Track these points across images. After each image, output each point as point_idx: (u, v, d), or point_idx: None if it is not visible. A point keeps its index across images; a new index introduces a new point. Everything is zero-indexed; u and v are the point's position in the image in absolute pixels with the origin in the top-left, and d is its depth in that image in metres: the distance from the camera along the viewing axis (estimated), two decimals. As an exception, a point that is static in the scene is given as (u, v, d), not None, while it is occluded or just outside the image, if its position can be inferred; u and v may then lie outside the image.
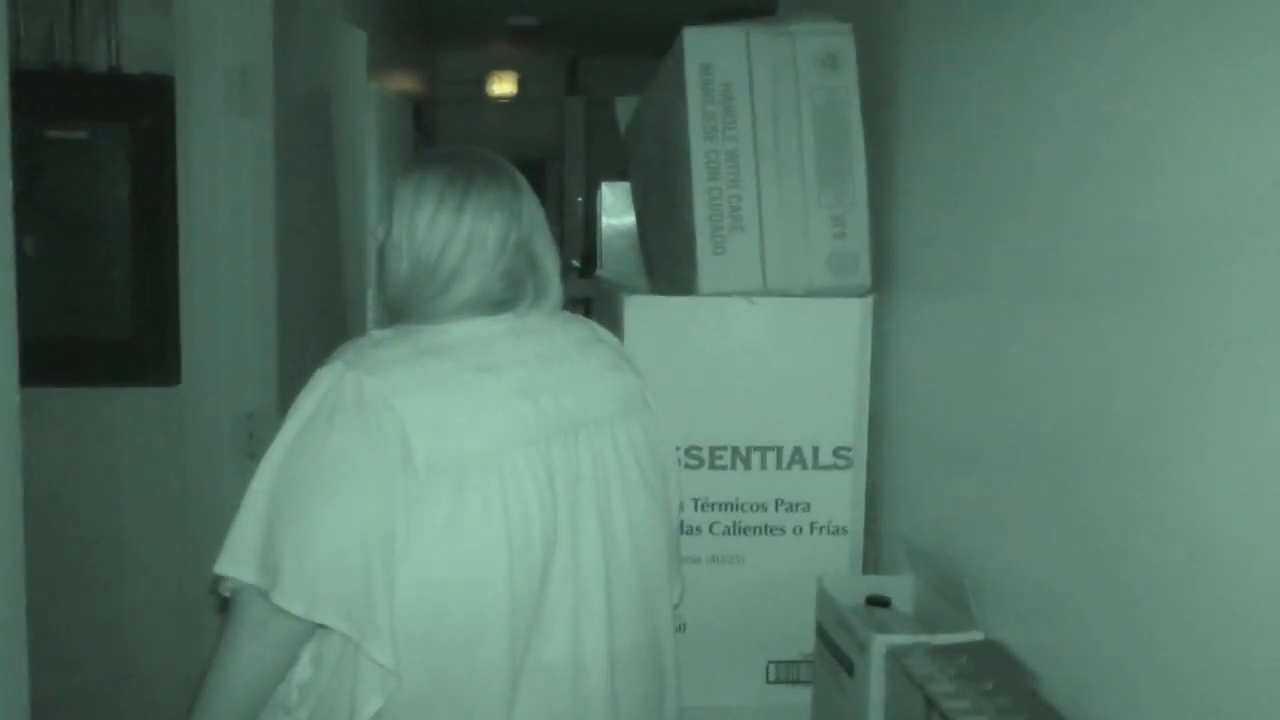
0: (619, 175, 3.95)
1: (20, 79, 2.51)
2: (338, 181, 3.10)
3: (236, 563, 1.29)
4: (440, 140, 8.30)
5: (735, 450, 2.01)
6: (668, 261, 2.29)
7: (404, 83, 6.35)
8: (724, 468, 2.01)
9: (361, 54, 3.16)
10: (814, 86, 1.96)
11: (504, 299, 1.40)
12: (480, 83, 9.42)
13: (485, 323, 1.39)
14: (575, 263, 8.49)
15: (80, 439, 2.58)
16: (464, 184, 1.39)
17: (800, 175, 1.96)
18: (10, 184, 1.00)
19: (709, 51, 1.95)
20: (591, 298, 3.31)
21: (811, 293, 1.97)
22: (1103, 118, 1.35)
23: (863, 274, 1.98)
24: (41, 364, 2.49)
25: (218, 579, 1.31)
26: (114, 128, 2.42)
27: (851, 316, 2.00)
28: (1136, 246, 1.27)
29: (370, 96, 4.28)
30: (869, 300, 2.00)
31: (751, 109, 1.95)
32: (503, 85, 9.43)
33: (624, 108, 2.63)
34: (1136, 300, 1.27)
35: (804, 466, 2.01)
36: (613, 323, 2.04)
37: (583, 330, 1.52)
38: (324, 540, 1.25)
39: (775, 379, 2.00)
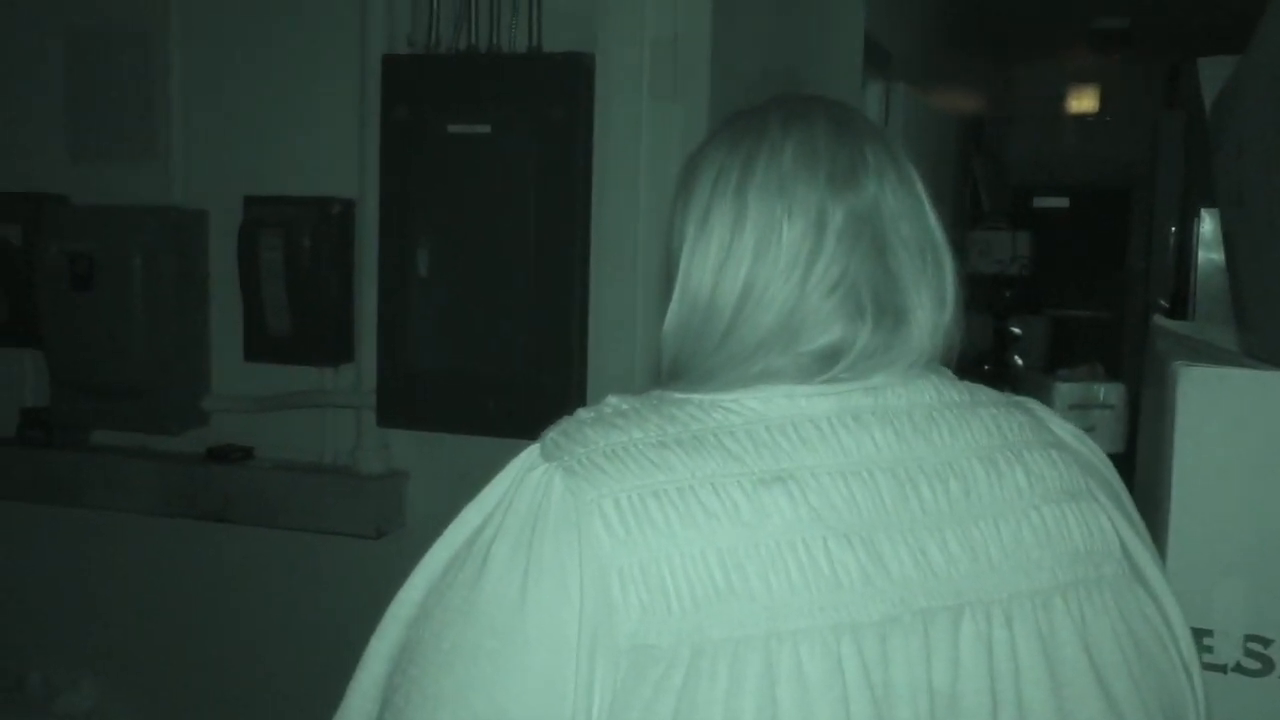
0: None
1: (424, 64, 2.18)
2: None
3: None
4: (1008, 166, 7.46)
5: (1388, 665, 1.08)
6: None
7: (958, 97, 5.65)
8: (1361, 693, 1.09)
9: (858, 28, 2.49)
10: None
11: (835, 345, 0.77)
12: (1056, 99, 8.45)
13: (795, 394, 0.77)
14: (1163, 302, 7.45)
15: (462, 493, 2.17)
16: (750, 145, 0.80)
17: None
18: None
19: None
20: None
21: None
22: None
23: None
24: (425, 404, 2.12)
25: None
26: (521, 120, 1.97)
27: None
28: None
29: (897, 99, 3.64)
30: None
31: None
32: (1083, 101, 8.39)
33: (1211, 72, 1.71)
34: None
35: None
36: (1158, 407, 1.21)
37: (1001, 419, 0.80)
38: None
39: None
